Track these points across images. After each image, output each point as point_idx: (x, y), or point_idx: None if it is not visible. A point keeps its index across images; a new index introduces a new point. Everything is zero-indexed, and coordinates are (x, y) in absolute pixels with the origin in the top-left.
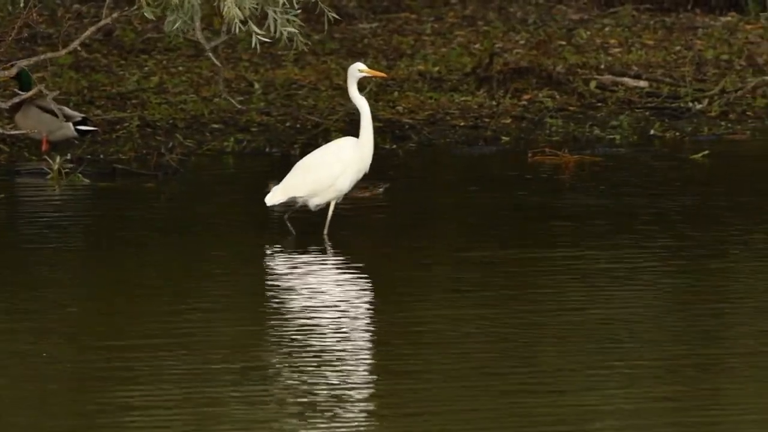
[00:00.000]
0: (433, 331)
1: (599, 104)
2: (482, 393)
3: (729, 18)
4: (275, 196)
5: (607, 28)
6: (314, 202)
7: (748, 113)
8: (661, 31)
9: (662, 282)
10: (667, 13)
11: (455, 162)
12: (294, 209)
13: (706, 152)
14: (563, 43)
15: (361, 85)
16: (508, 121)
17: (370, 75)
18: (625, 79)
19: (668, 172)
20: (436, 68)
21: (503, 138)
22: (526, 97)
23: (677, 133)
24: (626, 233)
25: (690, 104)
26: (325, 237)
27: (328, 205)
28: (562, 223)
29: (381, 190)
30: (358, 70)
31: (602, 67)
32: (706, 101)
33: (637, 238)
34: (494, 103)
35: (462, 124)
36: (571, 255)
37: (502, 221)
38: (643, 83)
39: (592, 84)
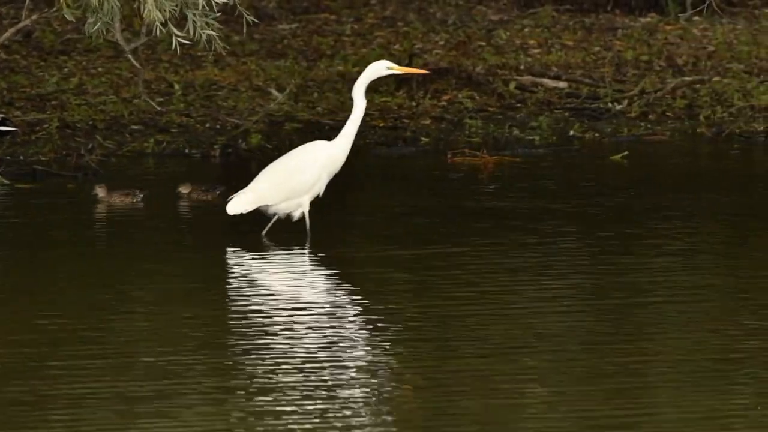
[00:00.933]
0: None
1: (519, 105)
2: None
3: (649, 19)
4: (242, 205)
5: (526, 29)
6: (284, 210)
7: (667, 114)
8: (580, 32)
9: (570, 278)
10: (587, 14)
11: (375, 163)
12: (271, 222)
13: (626, 153)
14: (483, 43)
15: (281, 87)
16: (428, 121)
17: (402, 72)
18: (545, 80)
19: (587, 173)
20: (356, 69)
21: (423, 139)
22: (445, 97)
23: (597, 134)
24: (540, 232)
25: (609, 105)
26: (308, 239)
27: (299, 209)
28: (478, 223)
29: (217, 193)
30: (386, 67)
31: (522, 67)
32: (625, 102)
33: (551, 237)
34: (414, 103)
35: (381, 124)
36: (486, 253)
37: (420, 221)
38: (562, 84)
39: (512, 85)
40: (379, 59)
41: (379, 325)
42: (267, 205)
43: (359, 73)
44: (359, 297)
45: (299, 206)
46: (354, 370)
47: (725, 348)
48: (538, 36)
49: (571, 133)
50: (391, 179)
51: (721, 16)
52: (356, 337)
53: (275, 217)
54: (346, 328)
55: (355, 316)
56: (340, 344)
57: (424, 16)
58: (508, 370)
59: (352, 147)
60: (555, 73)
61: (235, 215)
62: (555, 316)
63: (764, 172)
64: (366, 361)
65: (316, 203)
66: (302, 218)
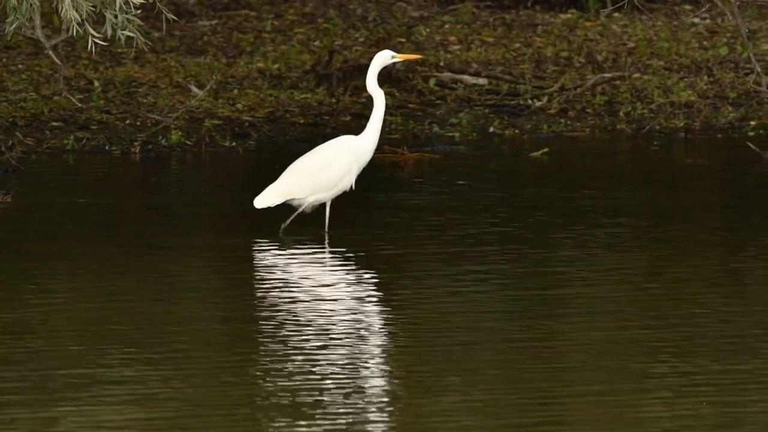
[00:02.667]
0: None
1: (439, 102)
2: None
3: (568, 15)
4: (269, 198)
5: (446, 26)
6: (311, 203)
7: (587, 111)
8: (500, 29)
9: (483, 269)
10: (507, 11)
11: (294, 160)
12: (292, 216)
13: (546, 150)
14: (403, 40)
15: (201, 83)
16: (348, 118)
17: (403, 59)
18: (465, 77)
19: (508, 169)
20: (276, 66)
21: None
22: (365, 94)
23: (517, 131)
24: (458, 228)
25: (529, 102)
26: (326, 234)
27: (323, 204)
28: (395, 219)
29: (8, 198)
30: (391, 56)
31: (442, 64)
32: (545, 99)
33: (467, 231)
34: (334, 100)
35: (302, 121)
36: (399, 251)
37: (339, 217)
38: (482, 81)
39: (432, 81)
40: (300, 56)
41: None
42: (294, 199)
43: (279, 69)
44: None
45: (325, 200)
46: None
47: (641, 341)
48: (458, 32)
49: (491, 129)
50: None
51: (641, 13)
52: None
53: (298, 211)
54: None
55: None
56: None
57: (344, 13)
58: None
59: (274, 144)
60: (475, 69)
61: (262, 209)
62: (468, 305)
63: (684, 168)
64: None
65: (234, 203)
66: (303, 211)
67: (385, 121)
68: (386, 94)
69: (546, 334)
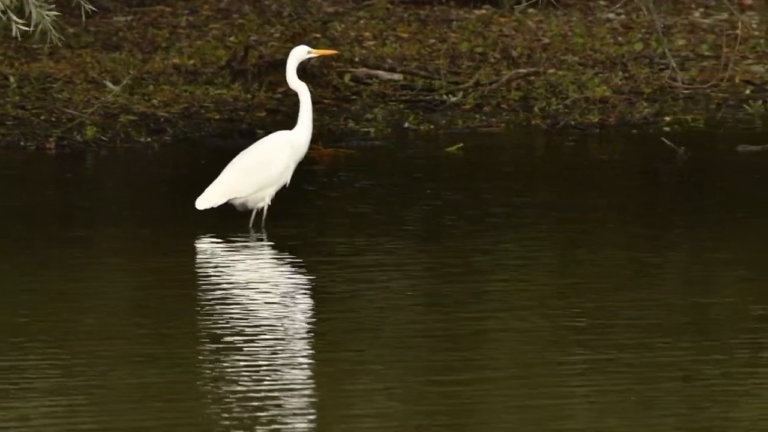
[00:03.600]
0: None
1: (354, 97)
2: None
3: (483, 11)
4: (211, 199)
5: (361, 21)
6: (253, 201)
7: (502, 106)
8: (415, 24)
9: (395, 262)
10: (422, 6)
11: (210, 155)
12: (252, 213)
13: (461, 145)
14: (318, 35)
15: (116, 79)
16: (263, 114)
17: (318, 55)
18: (380, 72)
19: (423, 164)
20: (191, 61)
21: (258, 131)
22: (280, 90)
23: (432, 126)
24: (371, 223)
25: (445, 97)
26: (263, 229)
27: (263, 200)
28: (307, 211)
29: None
30: (307, 51)
31: (357, 60)
32: (460, 94)
33: (379, 226)
34: (249, 96)
35: (217, 117)
36: (310, 245)
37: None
38: (397, 76)
39: (347, 77)
40: (215, 51)
41: None
42: (235, 198)
43: (195, 65)
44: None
45: (264, 197)
46: None
47: (557, 331)
48: (372, 28)
49: (406, 125)
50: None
51: (556, 9)
52: None
53: (250, 208)
54: None
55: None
56: None
57: (260, 8)
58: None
59: (190, 139)
60: (390, 65)
61: (204, 210)
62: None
63: (599, 163)
64: None
65: (156, 200)
66: (257, 209)
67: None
68: None
69: (462, 323)
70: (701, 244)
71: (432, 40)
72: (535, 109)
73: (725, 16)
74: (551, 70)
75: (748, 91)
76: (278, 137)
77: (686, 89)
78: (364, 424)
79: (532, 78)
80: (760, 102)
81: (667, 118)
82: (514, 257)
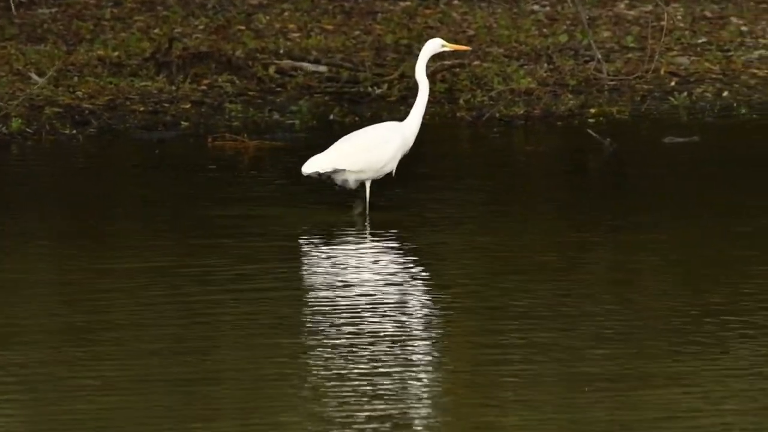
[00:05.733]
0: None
1: (279, 89)
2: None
3: (408, 3)
4: (317, 164)
5: (286, 13)
6: (356, 179)
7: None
8: (340, 16)
9: (301, 252)
10: None
11: (135, 147)
12: (333, 182)
13: None
14: (242, 28)
15: (41, 71)
16: (188, 106)
17: (453, 50)
18: (305, 64)
19: None
20: (116, 53)
21: (183, 123)
22: (205, 82)
23: (357, 118)
24: (294, 215)
25: (370, 89)
26: (367, 216)
27: (363, 184)
28: (230, 211)
29: None
30: (441, 45)
31: (281, 52)
32: (385, 86)
33: (302, 217)
34: (174, 88)
35: (142, 109)
36: (233, 241)
37: (180, 207)
38: (322, 68)
39: (272, 69)
40: (139, 43)
41: None
42: (341, 170)
43: (119, 57)
44: None
45: (366, 179)
46: None
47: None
48: (297, 20)
49: (331, 117)
50: (151, 165)
51: (481, 0)
52: None
53: (348, 187)
54: None
55: None
56: None
57: (184, 1)
58: None
59: (114, 131)
60: (315, 57)
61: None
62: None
63: (524, 155)
64: None
65: (82, 190)
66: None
67: (223, 108)
68: (226, 81)
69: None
70: (625, 238)
71: (357, 32)
72: (460, 101)
73: (650, 7)
74: (476, 62)
75: (673, 83)
76: (392, 125)
77: (611, 81)
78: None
79: (457, 70)
80: (685, 94)
81: (593, 110)
82: (426, 249)
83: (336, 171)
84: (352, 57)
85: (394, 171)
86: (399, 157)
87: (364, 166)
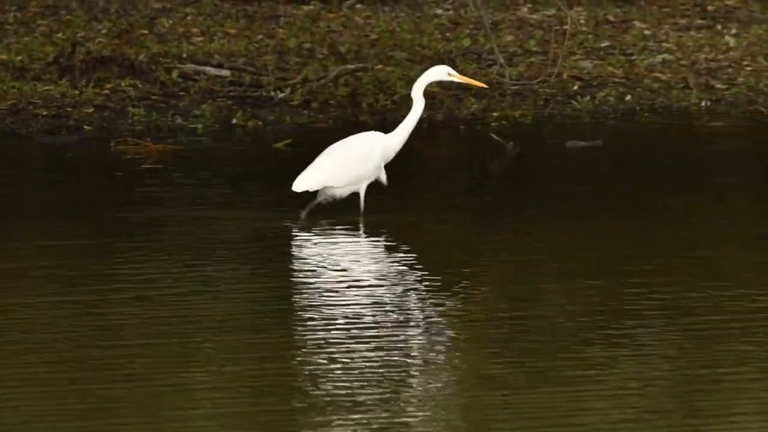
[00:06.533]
0: None
1: (182, 93)
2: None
3: (311, 7)
4: (306, 183)
5: (189, 17)
6: (345, 192)
7: (330, 102)
8: (243, 20)
9: (215, 255)
10: (249, 2)
11: (38, 152)
12: (315, 203)
13: (289, 141)
14: (145, 32)
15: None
16: (91, 110)
17: (461, 82)
18: (208, 68)
19: (251, 160)
20: (19, 57)
21: (86, 127)
22: (108, 86)
23: (260, 122)
24: (199, 219)
25: (272, 93)
26: (361, 220)
27: (356, 193)
28: (136, 213)
29: None
30: (447, 73)
31: (184, 56)
32: (288, 90)
33: (206, 223)
34: (77, 92)
35: (45, 113)
36: (143, 242)
37: (84, 210)
38: (225, 72)
39: (174, 73)
40: (42, 48)
41: None
42: (330, 187)
43: (22, 61)
44: None
45: (357, 191)
46: None
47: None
48: (200, 24)
49: (234, 121)
50: (54, 169)
51: (384, 4)
52: None
53: (323, 200)
54: None
55: None
56: None
57: (87, 5)
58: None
59: (18, 135)
60: (218, 61)
61: (299, 192)
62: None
63: (427, 159)
64: None
65: None
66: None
67: (126, 112)
68: (129, 86)
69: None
70: (526, 244)
71: (260, 37)
72: (363, 105)
73: (553, 11)
74: (379, 66)
75: (576, 87)
76: (370, 135)
77: (514, 85)
78: None
79: (360, 74)
80: (588, 98)
81: (495, 114)
82: (338, 254)
83: (325, 188)
84: (255, 61)
85: (384, 180)
86: (381, 165)
87: (348, 182)
